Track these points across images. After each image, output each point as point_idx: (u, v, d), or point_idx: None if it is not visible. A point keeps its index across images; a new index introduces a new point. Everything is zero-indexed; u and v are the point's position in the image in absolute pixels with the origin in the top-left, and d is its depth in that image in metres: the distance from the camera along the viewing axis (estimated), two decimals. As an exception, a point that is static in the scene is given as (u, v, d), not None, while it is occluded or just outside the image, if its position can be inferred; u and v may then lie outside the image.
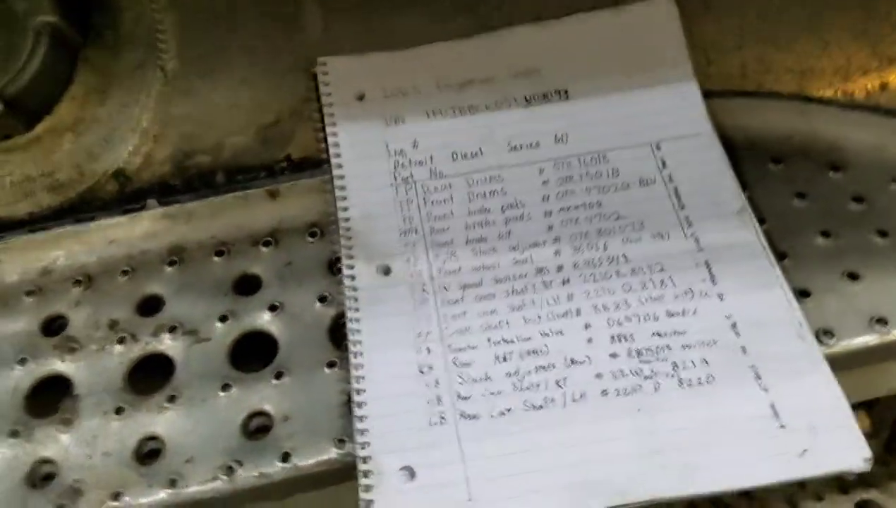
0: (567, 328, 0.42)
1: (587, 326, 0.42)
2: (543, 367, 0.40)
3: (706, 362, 0.40)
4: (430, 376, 0.41)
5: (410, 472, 0.38)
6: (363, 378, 0.41)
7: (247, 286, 0.47)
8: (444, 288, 0.44)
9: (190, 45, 0.55)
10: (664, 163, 0.48)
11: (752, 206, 0.46)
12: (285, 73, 0.54)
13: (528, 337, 0.42)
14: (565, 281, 0.44)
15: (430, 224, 0.47)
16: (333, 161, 0.49)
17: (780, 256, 0.45)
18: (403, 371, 0.41)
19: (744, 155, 0.50)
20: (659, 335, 0.41)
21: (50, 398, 0.44)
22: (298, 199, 0.50)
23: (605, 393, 0.39)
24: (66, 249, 0.50)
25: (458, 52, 0.52)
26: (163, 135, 0.55)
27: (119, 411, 0.42)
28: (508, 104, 0.51)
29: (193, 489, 0.39)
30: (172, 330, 0.45)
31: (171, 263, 0.48)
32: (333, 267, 0.46)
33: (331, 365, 0.43)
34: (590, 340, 0.41)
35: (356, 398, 0.40)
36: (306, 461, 0.39)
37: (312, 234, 0.49)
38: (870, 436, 0.41)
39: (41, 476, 0.41)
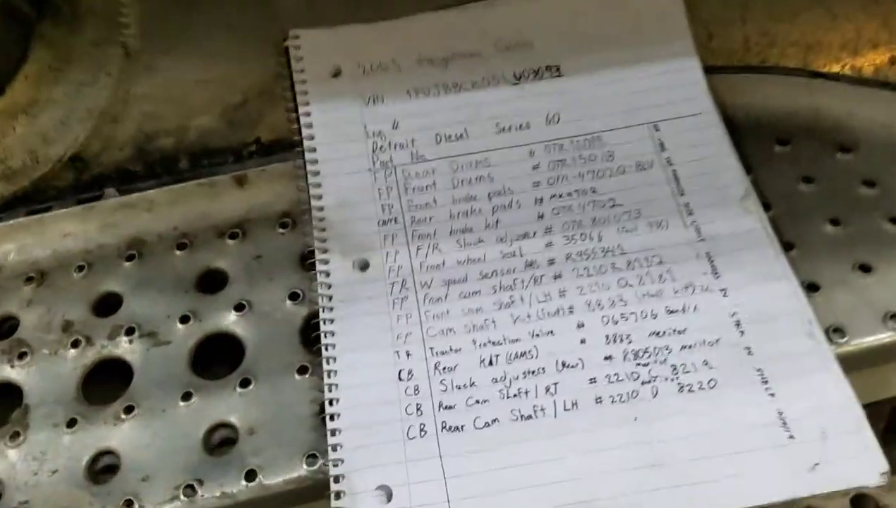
0: (559, 328, 0.37)
1: (580, 325, 0.38)
2: (533, 372, 0.36)
3: (708, 364, 0.36)
4: (409, 383, 0.36)
5: (387, 493, 0.34)
6: (336, 386, 0.36)
7: (211, 282, 0.43)
8: (427, 284, 0.40)
9: (153, 18, 0.50)
10: (663, 146, 0.44)
11: (757, 191, 0.42)
12: (255, 48, 0.49)
13: (517, 338, 0.37)
14: (557, 276, 0.39)
15: (412, 213, 0.42)
16: (306, 144, 0.44)
17: (787, 246, 0.40)
18: (381, 377, 0.36)
19: (747, 135, 0.46)
20: (657, 334, 0.37)
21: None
22: (268, 186, 0.45)
23: (599, 400, 0.35)
24: (17, 243, 0.45)
25: (442, 23, 0.47)
26: (123, 117, 0.50)
27: (71, 423, 0.38)
28: (496, 81, 0.46)
29: (151, 509, 0.36)
30: (130, 332, 0.40)
31: (130, 258, 0.43)
32: (306, 261, 0.42)
33: (302, 370, 0.38)
34: (583, 341, 0.37)
35: (328, 408, 0.36)
36: (274, 479, 0.35)
37: (284, 225, 0.44)
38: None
39: (-15, 495, 0.38)
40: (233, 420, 0.37)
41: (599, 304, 0.38)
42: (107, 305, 0.43)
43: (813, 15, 0.51)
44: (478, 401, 0.36)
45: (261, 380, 0.38)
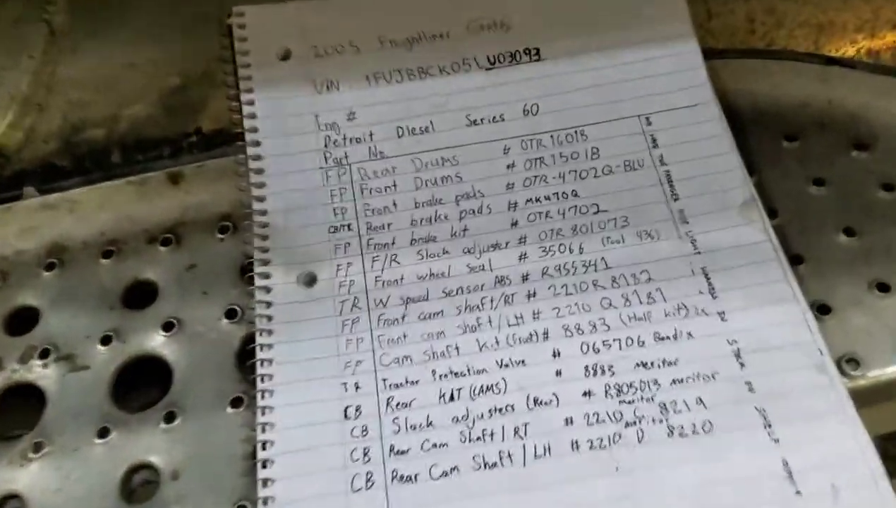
0: (531, 356, 0.32)
1: (556, 354, 0.32)
2: (500, 410, 0.31)
3: (703, 403, 0.30)
4: (357, 422, 0.31)
5: (324, 558, 0.29)
6: (271, 425, 0.31)
7: (139, 296, 0.36)
8: (382, 302, 0.34)
9: (82, -7, 0.44)
10: (655, 141, 0.38)
11: (761, 196, 0.36)
12: (195, 26, 0.42)
13: (483, 368, 0.32)
14: (531, 295, 0.33)
15: (368, 219, 0.36)
16: (248, 137, 0.38)
17: (795, 260, 0.34)
18: (324, 415, 0.31)
19: (751, 130, 0.39)
20: (644, 366, 0.31)
21: None
22: (206, 185, 0.39)
23: (575, 445, 0.30)
24: (-76, 249, 0.40)
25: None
26: (48, 105, 0.43)
27: (-31, 464, 0.33)
28: (468, 67, 0.39)
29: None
30: (45, 354, 0.34)
31: (50, 267, 0.37)
32: (247, 272, 0.35)
33: (236, 403, 0.32)
34: (558, 373, 0.31)
35: (260, 453, 0.30)
36: (196, 535, 0.30)
37: (223, 229, 0.38)
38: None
39: None
40: (155, 460, 0.32)
41: (579, 329, 0.32)
42: (22, 322, 0.36)
43: (826, -9, 0.45)
44: (435, 445, 0.30)
45: (189, 414, 0.33)
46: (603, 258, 0.34)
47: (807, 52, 0.44)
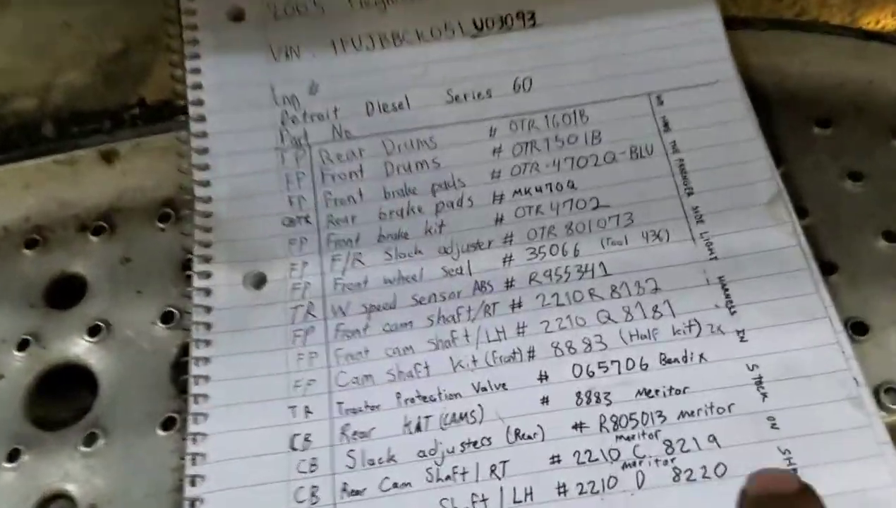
0: (513, 379, 0.26)
1: (543, 377, 0.26)
2: (475, 444, 0.25)
3: (716, 441, 0.25)
4: (305, 454, 0.25)
5: None
6: (203, 457, 0.25)
7: (65, 293, 0.31)
8: (342, 310, 0.28)
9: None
10: (667, 125, 0.32)
11: (789, 192, 0.30)
12: (141, -20, 0.38)
13: (456, 392, 0.26)
14: (515, 305, 0.28)
15: (329, 210, 0.30)
16: (192, 110, 0.32)
17: (827, 268, 0.29)
18: (267, 445, 0.25)
19: (778, 114, 0.34)
20: (647, 394, 0.26)
21: None
22: (146, 165, 0.33)
23: (562, 489, 0.24)
24: None
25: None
26: (-28, 69, 0.39)
27: None
28: (450, 32, 0.33)
29: None
30: (-48, 361, 0.31)
31: (-35, 257, 0.34)
32: (189, 268, 0.30)
33: (168, 424, 0.27)
34: (545, 400, 0.26)
35: (189, 490, 0.25)
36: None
37: (163, 218, 0.32)
38: None
39: None
40: (72, 490, 0.27)
41: (570, 347, 0.27)
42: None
43: (865, -45, 0.39)
44: (396, 485, 0.25)
45: (113, 435, 0.28)
46: (601, 263, 0.29)
47: (842, 25, 0.39)
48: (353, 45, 0.33)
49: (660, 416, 0.26)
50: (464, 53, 0.33)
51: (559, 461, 0.25)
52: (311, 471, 0.25)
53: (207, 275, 0.29)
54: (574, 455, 0.25)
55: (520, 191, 0.30)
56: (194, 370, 0.27)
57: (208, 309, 0.28)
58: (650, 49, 0.33)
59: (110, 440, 0.28)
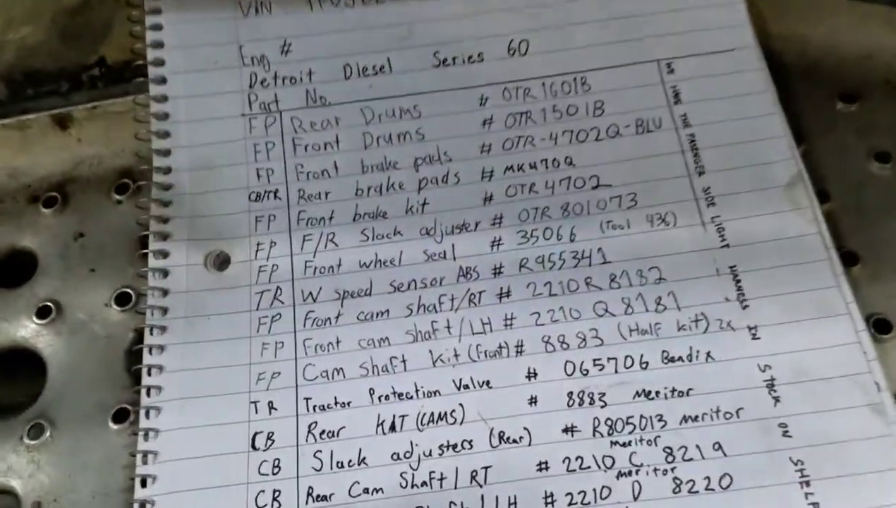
0: (499, 376, 0.24)
1: (531, 375, 0.24)
2: (454, 447, 0.23)
3: (721, 449, 0.22)
4: (268, 454, 0.23)
5: None
6: (155, 455, 0.23)
7: (12, 270, 0.28)
8: (312, 296, 0.25)
9: None
10: (677, 96, 0.28)
11: (810, 173, 0.27)
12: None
13: (435, 389, 0.24)
14: (503, 294, 0.25)
15: (301, 185, 0.27)
16: (152, 72, 0.29)
17: (849, 259, 0.26)
18: (225, 444, 0.23)
19: (800, 86, 0.30)
20: (647, 396, 0.23)
21: None
22: (103, 131, 0.30)
23: (550, 499, 0.22)
24: None
25: None
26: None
27: None
28: (439, -13, 0.31)
29: None
30: None
31: None
32: (147, 246, 0.27)
33: (120, 416, 0.25)
34: (533, 400, 0.23)
35: (139, 491, 0.22)
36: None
37: (121, 189, 0.29)
38: None
39: None
40: (15, 485, 0.24)
41: (563, 342, 0.24)
42: None
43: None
44: (367, 490, 0.22)
45: (60, 427, 0.25)
46: (600, 249, 0.26)
47: (872, -12, 0.35)
48: (331, 0, 0.31)
49: (660, 421, 0.23)
50: (453, 12, 0.29)
51: (547, 468, 0.22)
52: (274, 474, 0.23)
53: (164, 255, 0.26)
54: (564, 462, 0.22)
55: (512, 167, 0.27)
56: (147, 359, 0.24)
57: (164, 292, 0.25)
58: (661, 11, 0.30)
59: (58, 432, 0.25)
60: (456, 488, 0.22)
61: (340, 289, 0.25)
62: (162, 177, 0.27)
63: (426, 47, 0.29)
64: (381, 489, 0.22)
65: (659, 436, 0.23)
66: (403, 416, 0.23)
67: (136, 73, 0.31)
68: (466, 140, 0.28)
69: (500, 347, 0.24)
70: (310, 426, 0.23)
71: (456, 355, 0.24)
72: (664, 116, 0.28)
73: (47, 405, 0.26)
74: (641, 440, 0.23)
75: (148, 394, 0.24)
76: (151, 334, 0.25)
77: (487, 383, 0.24)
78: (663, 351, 0.24)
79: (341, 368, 0.24)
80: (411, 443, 0.23)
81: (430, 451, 0.23)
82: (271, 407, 0.24)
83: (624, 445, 0.23)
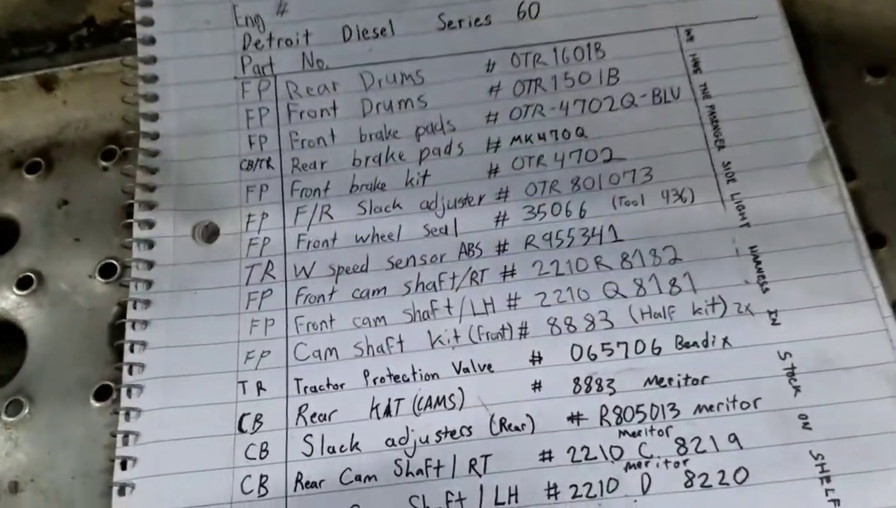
0: (501, 360, 0.22)
1: (536, 359, 0.22)
2: (452, 433, 0.21)
3: (737, 441, 0.20)
4: (256, 437, 0.21)
5: None
6: (137, 436, 0.21)
7: (-7, 239, 0.28)
8: (305, 271, 0.23)
9: None
10: (696, 64, 0.26)
11: (835, 149, 0.24)
12: None
13: (433, 372, 0.22)
14: (507, 273, 0.23)
15: (295, 153, 0.25)
16: (141, 31, 0.26)
17: (876, 241, 0.24)
18: (210, 425, 0.21)
19: (826, 57, 0.28)
20: (659, 383, 0.21)
21: None
22: (90, 94, 0.28)
23: (553, 491, 0.20)
24: None
25: None
26: None
27: None
28: (446, -55, 0.29)
29: None
30: None
31: None
32: (133, 215, 0.25)
33: (102, 394, 0.23)
34: (537, 386, 0.21)
35: (119, 473, 0.21)
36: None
37: (108, 156, 0.27)
38: None
39: None
40: (-9, 465, 0.24)
41: (570, 325, 0.22)
42: None
43: None
44: (359, 478, 0.20)
45: (40, 404, 0.23)
46: (612, 226, 0.23)
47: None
48: (331, -43, 0.28)
49: (672, 410, 0.21)
50: (461, -29, 0.28)
51: (550, 458, 0.21)
52: (262, 458, 0.21)
53: (150, 225, 0.24)
54: (569, 451, 0.21)
55: (519, 137, 0.25)
56: (130, 334, 0.22)
57: (149, 265, 0.23)
58: (680, -25, 0.28)
59: (36, 409, 0.23)
60: (453, 477, 0.21)
61: (335, 265, 0.23)
62: (149, 142, 0.25)
63: (430, 9, 0.26)
64: (374, 476, 0.21)
65: (671, 426, 0.21)
66: (399, 400, 0.21)
67: (125, 33, 0.29)
68: (472, 108, 0.25)
69: (503, 329, 0.22)
70: (300, 408, 0.22)
71: (456, 336, 0.22)
72: (682, 86, 0.25)
73: (26, 380, 0.24)
74: (652, 430, 0.21)
75: (130, 372, 0.22)
76: (135, 308, 0.23)
77: (489, 366, 0.22)
78: (677, 336, 0.22)
79: (334, 348, 0.22)
80: (407, 429, 0.21)
81: (427, 438, 0.21)
82: (260, 387, 0.22)
83: (633, 435, 0.21)
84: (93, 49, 0.30)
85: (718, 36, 0.27)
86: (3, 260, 0.26)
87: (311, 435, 0.21)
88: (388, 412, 0.21)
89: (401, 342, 0.22)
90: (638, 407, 0.21)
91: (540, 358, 0.22)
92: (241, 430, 0.21)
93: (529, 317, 0.22)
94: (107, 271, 0.25)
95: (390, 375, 0.22)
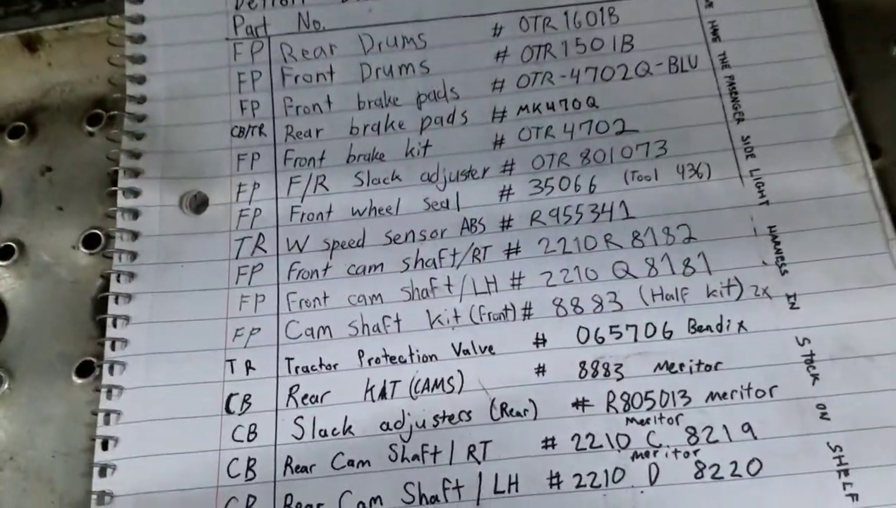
0: (503, 342, 0.20)
1: (540, 341, 0.20)
2: (450, 418, 0.19)
3: (751, 431, 0.19)
4: (244, 419, 0.19)
5: None
6: (118, 415, 0.19)
7: (-27, 207, 0.26)
8: (298, 245, 0.21)
9: None
10: (715, 32, 0.24)
11: (861, 125, 0.22)
12: None
13: (432, 353, 0.20)
14: (511, 250, 0.21)
15: (289, 120, 0.23)
16: (127, -11, 0.26)
17: (901, 221, 0.24)
18: (196, 406, 0.19)
19: (851, 29, 0.26)
20: (669, 368, 0.19)
21: None
22: (75, 55, 0.25)
23: (555, 480, 0.19)
24: None
25: None
26: None
27: None
28: None
29: None
30: None
31: None
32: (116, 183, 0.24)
33: (85, 370, 0.21)
34: (540, 370, 0.20)
35: (100, 454, 0.19)
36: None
37: (94, 120, 0.25)
38: None
39: None
40: (-30, 443, 0.23)
41: (576, 306, 0.20)
42: None
43: None
44: (352, 463, 0.19)
45: (20, 380, 0.22)
46: (623, 202, 0.22)
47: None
48: (330, -90, 0.26)
49: (683, 397, 0.19)
50: (467, -71, 0.26)
51: (553, 445, 0.19)
52: (250, 441, 0.19)
53: (135, 193, 0.22)
54: (573, 439, 0.19)
55: (526, 107, 0.23)
56: (113, 308, 0.21)
57: (134, 235, 0.22)
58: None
59: (16, 384, 0.22)
60: (451, 464, 0.19)
61: (330, 239, 0.22)
62: (135, 106, 0.23)
63: (434, -32, 0.25)
64: (367, 461, 0.19)
65: (681, 414, 0.19)
66: (395, 382, 0.20)
67: (118, -7, 0.27)
68: (476, 75, 0.23)
69: (506, 309, 0.20)
70: (291, 389, 0.20)
71: (456, 316, 0.20)
72: (700, 55, 0.23)
73: (6, 354, 0.22)
74: (661, 417, 0.19)
75: (112, 348, 0.20)
76: (118, 281, 0.21)
77: (490, 348, 0.20)
78: (690, 320, 0.20)
79: (328, 326, 0.21)
80: (403, 412, 0.19)
81: (424, 422, 0.19)
82: (249, 366, 0.20)
83: (641, 423, 0.19)
84: (79, 7, 0.28)
85: (739, 2, 0.24)
86: (-16, 228, 0.25)
87: (301, 417, 0.20)
88: (383, 394, 0.20)
89: (398, 321, 0.20)
90: (647, 393, 0.19)
91: (544, 341, 0.20)
92: (228, 411, 0.20)
93: (534, 297, 0.21)
94: (91, 242, 0.23)
95: (386, 356, 0.20)
